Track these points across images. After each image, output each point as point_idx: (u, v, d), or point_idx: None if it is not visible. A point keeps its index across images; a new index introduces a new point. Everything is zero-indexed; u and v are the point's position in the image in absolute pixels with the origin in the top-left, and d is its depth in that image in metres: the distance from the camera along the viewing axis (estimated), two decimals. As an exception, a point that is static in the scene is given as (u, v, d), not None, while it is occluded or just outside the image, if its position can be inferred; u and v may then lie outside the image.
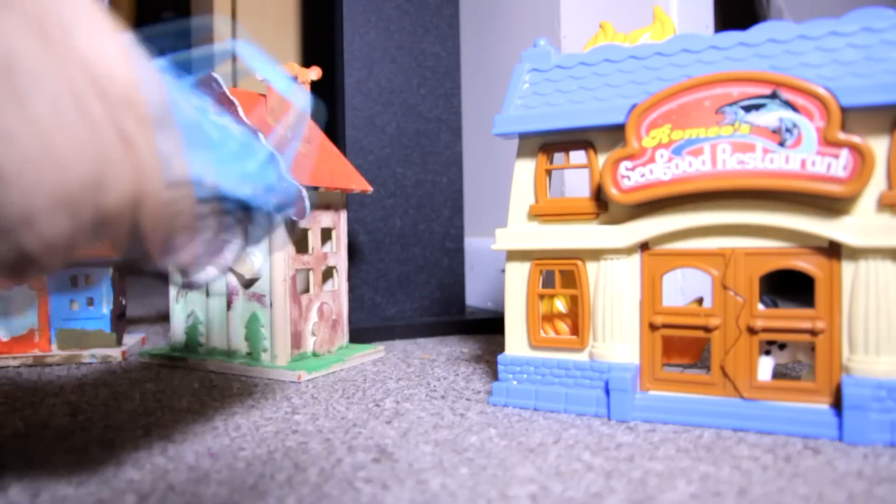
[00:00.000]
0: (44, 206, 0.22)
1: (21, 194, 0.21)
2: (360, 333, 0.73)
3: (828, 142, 0.37)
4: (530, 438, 0.39)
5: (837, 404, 0.38)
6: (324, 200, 0.63)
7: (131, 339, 0.71)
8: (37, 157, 0.21)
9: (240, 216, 0.32)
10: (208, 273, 0.33)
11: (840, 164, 0.37)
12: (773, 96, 0.38)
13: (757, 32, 0.42)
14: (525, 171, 0.47)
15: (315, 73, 0.62)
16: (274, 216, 0.35)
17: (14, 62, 0.21)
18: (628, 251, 0.43)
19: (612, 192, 0.42)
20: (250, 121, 0.57)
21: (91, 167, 0.22)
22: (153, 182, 0.24)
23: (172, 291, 0.64)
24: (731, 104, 0.39)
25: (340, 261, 0.65)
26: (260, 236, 0.34)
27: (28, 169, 0.21)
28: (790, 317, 0.40)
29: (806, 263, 0.39)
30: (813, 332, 0.39)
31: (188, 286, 0.31)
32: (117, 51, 0.23)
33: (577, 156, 0.46)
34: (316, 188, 0.59)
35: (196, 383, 0.55)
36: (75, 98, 0.22)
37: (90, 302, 0.65)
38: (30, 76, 0.21)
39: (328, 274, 0.65)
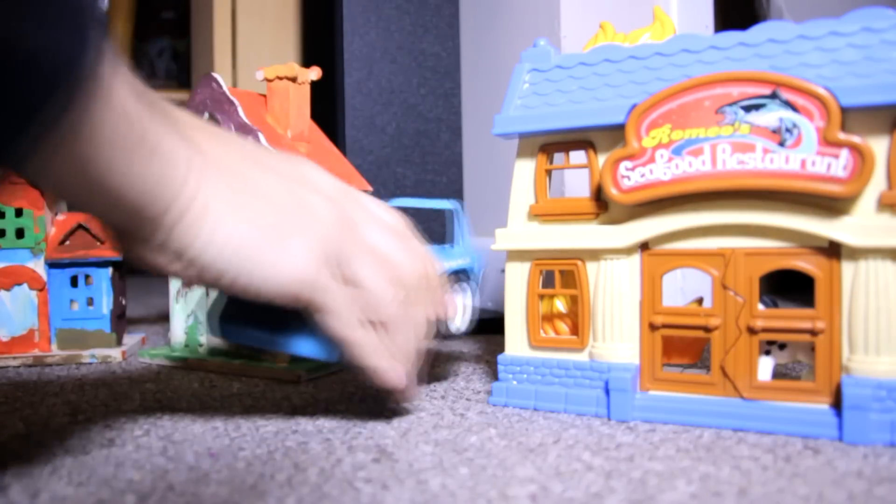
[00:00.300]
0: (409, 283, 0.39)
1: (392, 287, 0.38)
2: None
3: (828, 142, 0.37)
4: (530, 438, 0.39)
5: (837, 404, 0.38)
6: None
7: (131, 339, 0.71)
8: (390, 267, 0.39)
9: (464, 279, 0.51)
10: (457, 322, 0.50)
11: (840, 164, 0.37)
12: (773, 96, 0.38)
13: (757, 32, 0.42)
14: (525, 171, 0.47)
15: (315, 73, 0.62)
16: (479, 273, 0.54)
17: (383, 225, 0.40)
18: (628, 251, 0.43)
19: (612, 192, 0.42)
20: (250, 121, 0.57)
21: (408, 260, 0.40)
22: (431, 266, 0.41)
23: (172, 291, 0.64)
24: (731, 104, 0.39)
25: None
26: (474, 289, 0.52)
27: (394, 270, 0.39)
28: (790, 317, 0.40)
29: (806, 263, 0.39)
30: (813, 332, 0.39)
31: (448, 334, 0.49)
32: (383, 206, 0.41)
33: (577, 156, 0.46)
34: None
35: (196, 383, 0.55)
36: (391, 238, 0.39)
37: (90, 302, 0.65)
38: (371, 231, 0.39)
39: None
